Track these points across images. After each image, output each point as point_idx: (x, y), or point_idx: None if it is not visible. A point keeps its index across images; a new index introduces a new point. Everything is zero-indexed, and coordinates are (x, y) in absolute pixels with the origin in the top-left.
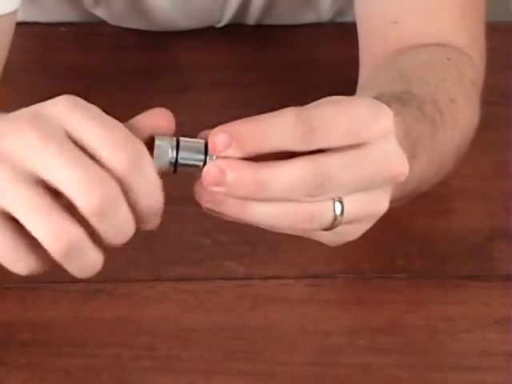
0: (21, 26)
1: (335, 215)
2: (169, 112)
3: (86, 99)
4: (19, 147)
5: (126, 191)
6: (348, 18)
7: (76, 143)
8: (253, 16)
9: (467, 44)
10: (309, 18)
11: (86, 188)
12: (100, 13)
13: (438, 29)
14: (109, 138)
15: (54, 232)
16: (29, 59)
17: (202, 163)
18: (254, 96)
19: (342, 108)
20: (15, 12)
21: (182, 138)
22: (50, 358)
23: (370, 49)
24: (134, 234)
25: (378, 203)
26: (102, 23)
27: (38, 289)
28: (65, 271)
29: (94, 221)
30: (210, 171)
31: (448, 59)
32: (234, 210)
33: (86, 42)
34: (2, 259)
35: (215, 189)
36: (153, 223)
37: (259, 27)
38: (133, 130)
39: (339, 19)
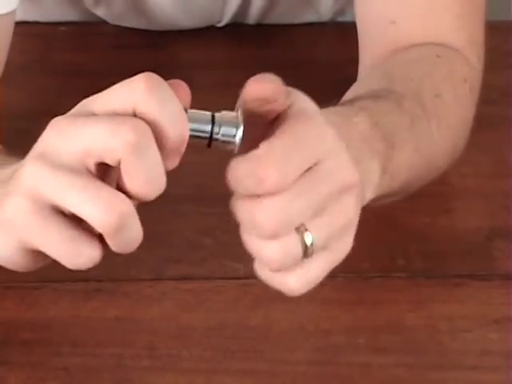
0: (21, 25)
1: (305, 245)
2: (185, 84)
3: (85, 98)
4: (55, 142)
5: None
6: (348, 18)
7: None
8: (253, 16)
9: (465, 44)
10: (309, 17)
11: (116, 131)
12: (100, 12)
13: (436, 29)
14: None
15: (104, 206)
16: (29, 58)
17: (208, 135)
18: None
19: (291, 140)
20: (13, 12)
21: (189, 110)
22: (51, 357)
23: (369, 48)
24: None
25: (344, 213)
26: (102, 22)
27: (38, 288)
28: (65, 270)
29: (130, 163)
30: None
31: (438, 56)
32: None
33: (86, 42)
34: (62, 256)
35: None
36: (175, 161)
37: (259, 27)
38: None
39: (340, 19)
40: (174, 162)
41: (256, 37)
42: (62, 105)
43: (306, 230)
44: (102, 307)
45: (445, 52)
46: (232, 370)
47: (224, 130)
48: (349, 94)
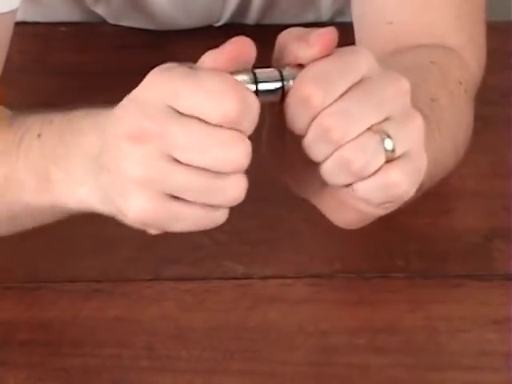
0: (21, 25)
1: (383, 147)
2: (248, 42)
3: (85, 98)
4: (154, 127)
5: None
6: (348, 18)
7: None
8: (253, 15)
9: (462, 44)
10: (309, 17)
11: (231, 160)
12: (100, 10)
13: (433, 30)
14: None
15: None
16: (29, 59)
17: (280, 90)
18: None
19: (332, 58)
20: (15, 11)
21: (257, 71)
22: (50, 358)
23: (367, 48)
24: (133, 234)
25: (410, 115)
26: (103, 23)
27: (37, 288)
28: (64, 271)
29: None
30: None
31: (432, 62)
32: None
33: (86, 42)
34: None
35: None
36: None
37: (259, 26)
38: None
39: (339, 19)
40: None
41: (256, 37)
42: (61, 105)
43: (381, 130)
44: (100, 307)
45: (439, 56)
46: (231, 370)
47: (293, 82)
48: None
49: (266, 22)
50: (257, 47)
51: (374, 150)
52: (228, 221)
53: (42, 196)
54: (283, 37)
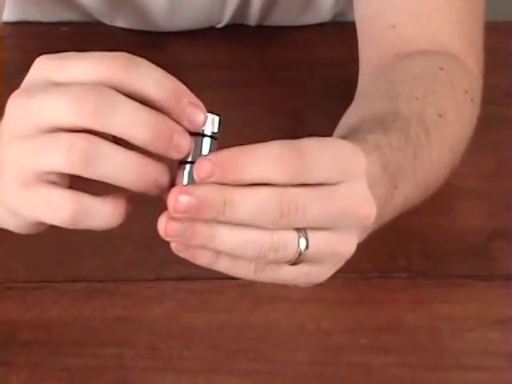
0: (22, 25)
1: (299, 250)
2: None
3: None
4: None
5: None
6: (349, 19)
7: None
8: (253, 16)
9: (463, 49)
10: (310, 19)
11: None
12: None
13: (434, 34)
14: None
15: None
16: (30, 59)
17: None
18: (255, 96)
19: (327, 144)
20: None
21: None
22: (51, 358)
23: (370, 50)
24: (135, 234)
25: (344, 244)
26: (103, 23)
27: (39, 288)
28: (66, 270)
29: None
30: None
31: (441, 69)
32: (203, 236)
33: (86, 42)
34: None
35: (184, 214)
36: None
37: (260, 27)
38: None
39: (340, 19)
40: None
41: (256, 37)
42: None
43: (307, 237)
44: (102, 307)
45: (446, 62)
46: (233, 370)
47: None
48: (352, 114)
49: (267, 22)
50: (257, 48)
51: (288, 251)
52: None
53: None
54: None
